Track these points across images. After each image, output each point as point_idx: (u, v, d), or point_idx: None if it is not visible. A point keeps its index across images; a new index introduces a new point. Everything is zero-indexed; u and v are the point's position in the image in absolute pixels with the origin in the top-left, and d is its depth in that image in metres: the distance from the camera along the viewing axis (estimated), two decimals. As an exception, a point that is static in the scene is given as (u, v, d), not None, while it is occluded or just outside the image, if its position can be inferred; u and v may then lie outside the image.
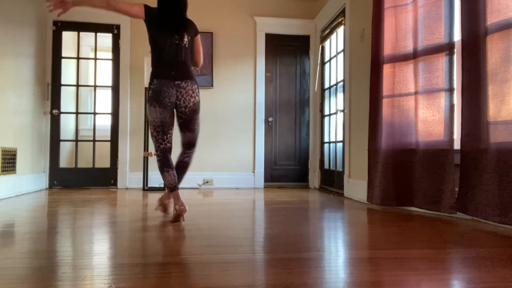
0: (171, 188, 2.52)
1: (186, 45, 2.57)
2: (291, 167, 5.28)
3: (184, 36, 2.56)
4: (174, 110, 2.58)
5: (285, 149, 5.26)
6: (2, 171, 3.68)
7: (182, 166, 2.66)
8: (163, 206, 2.65)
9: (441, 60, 2.75)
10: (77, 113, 4.92)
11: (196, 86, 2.58)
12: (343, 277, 1.34)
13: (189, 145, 2.67)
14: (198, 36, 2.70)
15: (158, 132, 2.53)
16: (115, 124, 4.91)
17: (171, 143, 2.58)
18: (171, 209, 2.64)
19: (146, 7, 2.51)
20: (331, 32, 4.74)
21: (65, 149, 5.20)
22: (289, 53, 5.28)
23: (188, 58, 2.60)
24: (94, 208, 3.00)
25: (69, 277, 1.32)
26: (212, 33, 5.02)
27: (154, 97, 2.49)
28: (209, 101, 5.07)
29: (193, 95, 2.54)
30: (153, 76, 2.51)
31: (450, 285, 1.27)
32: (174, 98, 2.51)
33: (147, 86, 4.51)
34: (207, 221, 2.48)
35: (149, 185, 4.84)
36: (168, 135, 2.56)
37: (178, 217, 2.43)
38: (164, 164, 2.54)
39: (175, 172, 2.55)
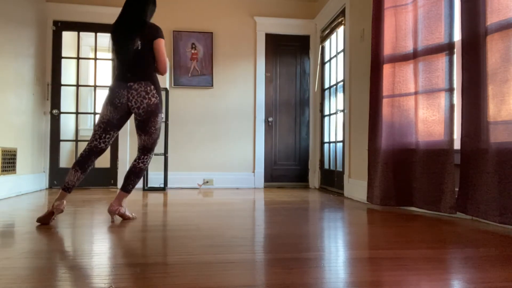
0: (65, 188, 2.37)
1: (139, 48, 2.48)
2: (291, 167, 5.28)
3: (135, 40, 2.48)
4: (129, 114, 2.51)
5: (285, 149, 5.26)
6: (2, 171, 3.68)
7: (135, 172, 2.50)
8: (112, 212, 2.49)
9: (441, 60, 2.75)
10: (77, 113, 4.92)
11: (152, 87, 2.46)
12: (343, 277, 1.34)
13: (144, 150, 2.52)
14: (158, 41, 2.51)
15: (100, 127, 2.44)
16: (115, 124, 4.90)
17: (105, 145, 2.47)
18: (126, 214, 2.54)
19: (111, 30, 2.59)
20: (331, 32, 4.74)
21: (65, 149, 5.20)
22: (289, 53, 5.28)
23: (146, 61, 2.50)
24: (94, 208, 3.00)
25: (69, 277, 1.32)
26: (212, 33, 5.02)
27: (108, 96, 2.48)
28: (209, 101, 5.07)
29: (146, 96, 2.43)
30: (113, 78, 2.55)
31: (450, 285, 1.27)
32: (125, 99, 2.43)
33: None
34: (207, 221, 2.48)
35: (149, 185, 4.84)
36: (107, 136, 2.46)
37: (49, 215, 2.30)
38: (80, 162, 2.42)
39: (82, 177, 2.43)
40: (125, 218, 2.52)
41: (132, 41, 2.49)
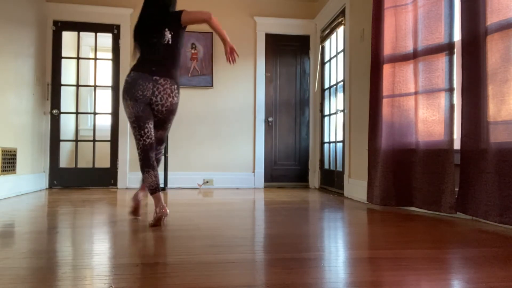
0: (152, 190, 2.36)
1: (169, 42, 2.43)
2: (291, 167, 5.28)
3: (162, 33, 2.41)
4: (149, 106, 2.42)
5: (285, 149, 5.26)
6: (2, 171, 3.68)
7: (155, 161, 2.57)
8: (134, 207, 2.57)
9: (441, 60, 2.75)
10: (77, 113, 4.92)
11: (176, 86, 2.46)
12: (343, 277, 1.34)
13: (159, 142, 2.61)
14: (181, 13, 2.43)
15: (135, 128, 2.40)
16: (115, 124, 4.91)
17: (151, 138, 2.43)
18: (141, 211, 2.58)
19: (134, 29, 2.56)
20: (331, 32, 4.74)
21: (65, 149, 5.20)
22: (289, 53, 5.28)
23: (174, 58, 2.46)
24: (94, 208, 3.00)
25: (69, 277, 1.32)
26: (212, 33, 5.02)
27: (126, 89, 2.38)
28: (209, 101, 5.07)
29: (171, 94, 2.43)
30: (132, 69, 2.43)
31: (450, 285, 1.27)
32: (150, 93, 2.37)
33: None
34: (207, 221, 2.48)
35: (149, 185, 4.83)
36: (146, 130, 2.41)
37: (158, 221, 2.27)
38: (144, 163, 2.40)
39: (157, 172, 2.41)
40: (137, 214, 2.60)
41: (159, 33, 2.42)
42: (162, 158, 2.72)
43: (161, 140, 2.63)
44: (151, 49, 2.43)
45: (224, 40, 2.48)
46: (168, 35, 2.43)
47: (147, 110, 2.41)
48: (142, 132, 2.40)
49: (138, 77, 2.36)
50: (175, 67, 2.48)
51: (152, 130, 2.46)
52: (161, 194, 2.35)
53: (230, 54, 2.50)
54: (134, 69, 2.41)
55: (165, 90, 2.40)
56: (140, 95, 2.36)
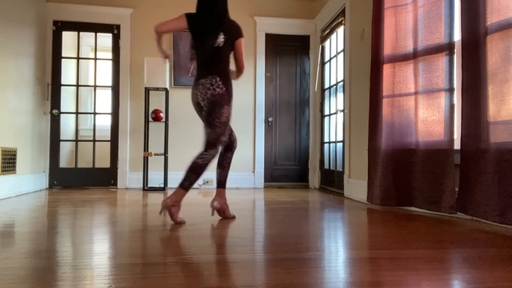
0: (216, 184, 2.64)
1: (220, 46, 2.46)
2: (291, 167, 5.27)
3: (217, 37, 2.45)
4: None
5: (285, 149, 5.26)
6: (2, 171, 3.68)
7: (192, 167, 2.37)
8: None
9: (441, 60, 2.75)
10: (77, 113, 4.92)
11: (218, 79, 2.41)
12: (343, 277, 1.34)
13: (206, 144, 2.43)
14: (240, 41, 2.53)
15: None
16: (115, 124, 4.91)
17: (226, 138, 2.57)
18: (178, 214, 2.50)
19: (187, 16, 2.49)
20: (331, 32, 4.74)
21: (65, 149, 5.20)
22: (289, 53, 5.28)
23: (222, 60, 2.48)
24: (94, 208, 3.00)
25: (69, 277, 1.32)
26: (212, 33, 5.02)
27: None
28: (209, 101, 5.06)
29: (210, 87, 2.40)
30: None
31: (450, 285, 1.27)
32: (195, 98, 2.52)
33: (147, 86, 4.51)
34: (207, 221, 2.48)
35: (149, 185, 4.84)
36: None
37: (218, 212, 2.56)
38: (217, 160, 2.64)
39: (222, 170, 2.59)
40: (172, 218, 2.36)
41: (213, 37, 2.45)
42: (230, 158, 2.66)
43: (208, 143, 2.42)
44: (202, 53, 2.51)
45: (239, 73, 2.65)
46: (221, 39, 2.47)
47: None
48: None
49: (192, 87, 2.55)
50: (220, 66, 2.47)
51: (228, 131, 2.58)
52: (223, 190, 2.60)
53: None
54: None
55: (204, 86, 2.43)
56: (195, 103, 2.57)
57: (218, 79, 2.42)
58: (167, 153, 4.66)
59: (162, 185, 4.80)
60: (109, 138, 4.91)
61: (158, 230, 2.17)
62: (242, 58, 2.56)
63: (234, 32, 2.51)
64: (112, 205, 3.20)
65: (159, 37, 2.50)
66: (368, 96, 3.62)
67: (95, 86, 4.90)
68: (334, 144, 4.72)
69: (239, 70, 2.62)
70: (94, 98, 4.93)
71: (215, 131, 2.41)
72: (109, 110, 4.95)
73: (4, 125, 3.76)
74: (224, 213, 2.59)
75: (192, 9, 5.02)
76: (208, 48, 2.47)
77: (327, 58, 5.04)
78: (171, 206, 2.33)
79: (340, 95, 4.52)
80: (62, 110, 4.83)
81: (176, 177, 4.94)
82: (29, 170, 4.30)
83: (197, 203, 3.43)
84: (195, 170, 2.36)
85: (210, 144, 2.42)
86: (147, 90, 4.64)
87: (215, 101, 2.40)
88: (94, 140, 4.86)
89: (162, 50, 2.59)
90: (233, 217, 2.62)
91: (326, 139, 5.04)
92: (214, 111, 2.40)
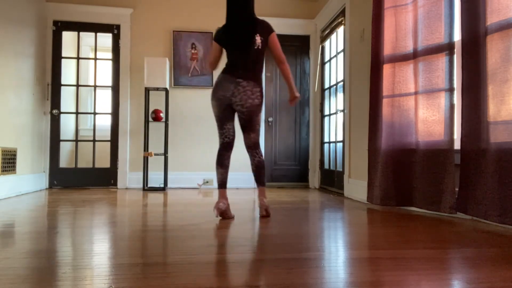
0: (218, 185, 2.66)
1: (259, 47, 2.58)
2: (291, 167, 5.28)
3: (255, 39, 2.56)
4: (231, 107, 2.60)
5: (285, 149, 5.26)
6: (2, 171, 3.69)
7: (260, 166, 2.68)
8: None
9: (441, 60, 2.75)
10: (77, 113, 4.92)
11: (258, 89, 2.57)
12: (343, 277, 1.34)
13: (255, 145, 2.68)
14: (274, 36, 2.65)
15: (218, 125, 2.67)
16: (115, 124, 4.91)
17: (229, 138, 2.67)
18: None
19: (216, 39, 2.67)
20: (331, 32, 4.74)
21: (65, 149, 5.20)
22: (289, 53, 5.28)
23: (260, 61, 2.61)
24: (94, 208, 3.00)
25: (69, 277, 1.32)
26: (212, 33, 5.02)
27: (213, 90, 2.61)
28: (209, 101, 5.06)
29: (252, 96, 2.54)
30: (221, 72, 2.63)
31: (450, 285, 1.27)
32: (230, 94, 2.53)
33: (147, 86, 4.51)
34: (207, 221, 2.48)
35: (149, 185, 4.84)
36: (225, 130, 2.65)
37: (222, 214, 2.58)
38: (218, 160, 2.68)
39: (224, 170, 2.67)
40: (267, 213, 2.63)
41: (252, 40, 2.56)
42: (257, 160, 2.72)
43: (255, 144, 2.68)
44: (240, 53, 2.58)
45: (291, 89, 2.74)
46: (258, 41, 2.58)
47: (228, 111, 2.61)
48: (221, 131, 2.66)
49: (223, 79, 2.57)
50: (260, 71, 2.64)
51: (232, 130, 2.68)
52: (226, 190, 2.65)
53: (292, 101, 2.80)
54: (223, 71, 2.62)
55: (245, 91, 2.52)
56: (221, 95, 2.56)
57: (259, 89, 2.58)
58: (167, 153, 4.66)
59: (162, 185, 4.80)
60: (109, 138, 4.91)
61: (158, 230, 2.17)
62: (280, 51, 2.65)
63: (266, 30, 2.62)
64: (112, 205, 3.20)
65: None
66: (368, 96, 3.62)
67: (95, 86, 4.90)
68: (334, 144, 4.72)
69: (282, 62, 2.66)
70: (94, 98, 4.94)
71: (257, 133, 2.69)
72: (109, 110, 4.95)
73: (4, 125, 3.76)
74: (226, 214, 2.60)
75: (191, 8, 5.03)
76: (246, 51, 2.57)
77: (327, 58, 5.04)
78: (266, 204, 2.62)
79: (340, 95, 4.51)
80: (62, 110, 4.83)
81: (176, 177, 4.94)
82: (29, 170, 4.30)
83: (197, 203, 3.43)
84: (264, 166, 2.70)
85: (258, 144, 2.70)
86: (147, 90, 4.64)
87: (253, 111, 2.58)
88: (94, 140, 4.86)
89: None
90: (233, 217, 2.63)
91: (326, 139, 5.04)
92: (253, 119, 2.62)
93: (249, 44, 2.56)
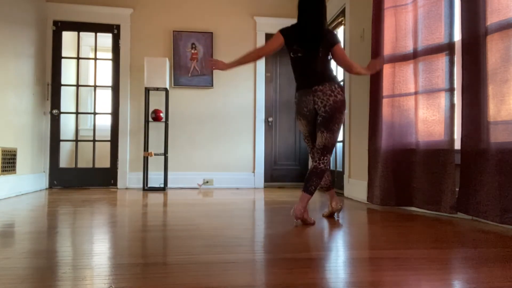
0: (326, 187, 2.69)
1: (320, 55, 2.54)
2: (291, 167, 5.27)
3: (320, 49, 2.52)
4: (316, 117, 2.55)
5: (285, 149, 5.26)
6: (2, 171, 3.68)
7: (316, 172, 2.44)
8: (297, 217, 2.37)
9: (441, 60, 2.75)
10: (77, 113, 4.92)
11: (336, 86, 2.49)
12: (343, 277, 1.34)
13: (324, 150, 2.47)
14: (339, 47, 2.57)
15: (307, 142, 2.68)
16: (115, 124, 4.91)
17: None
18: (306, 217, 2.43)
19: (283, 32, 2.58)
20: (331, 32, 4.73)
21: (65, 149, 5.20)
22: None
23: (326, 65, 2.58)
24: (94, 208, 3.00)
25: (69, 277, 1.32)
26: (212, 33, 5.02)
27: (297, 110, 2.61)
28: (209, 101, 5.07)
29: (332, 94, 2.45)
30: (296, 90, 2.63)
31: (450, 285, 1.27)
32: (312, 104, 2.50)
33: (147, 86, 4.51)
34: (207, 221, 2.48)
35: (149, 185, 4.84)
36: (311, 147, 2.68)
37: (332, 214, 2.63)
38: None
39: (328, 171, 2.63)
40: (306, 223, 2.38)
41: (317, 50, 2.53)
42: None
43: (327, 148, 2.47)
44: (308, 64, 2.54)
45: (368, 71, 2.73)
46: (325, 46, 2.54)
47: (315, 127, 2.58)
48: (313, 149, 2.66)
49: (301, 95, 2.55)
50: (329, 70, 2.58)
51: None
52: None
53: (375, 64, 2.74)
54: (296, 89, 2.62)
55: (324, 93, 2.47)
56: (306, 111, 2.54)
57: (337, 86, 2.50)
58: (167, 153, 4.66)
59: (162, 185, 4.80)
60: (109, 138, 4.91)
61: (158, 230, 2.17)
62: (347, 58, 2.59)
63: (331, 39, 2.55)
64: (112, 205, 3.20)
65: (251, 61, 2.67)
66: (368, 96, 3.62)
67: (95, 86, 4.90)
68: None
69: (349, 70, 2.64)
70: (94, 98, 4.94)
71: (334, 136, 2.51)
72: (109, 110, 4.95)
73: (4, 125, 3.76)
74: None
75: (191, 8, 5.03)
76: (312, 59, 2.53)
77: (327, 58, 5.03)
78: (303, 213, 2.35)
79: (340, 95, 4.51)
80: (62, 110, 4.83)
81: (176, 177, 4.94)
82: (29, 170, 4.30)
83: (197, 203, 3.43)
84: (319, 175, 2.45)
85: (328, 149, 2.50)
86: (147, 90, 4.64)
87: (337, 108, 2.46)
88: (94, 140, 4.86)
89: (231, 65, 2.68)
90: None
91: (326, 139, 5.03)
92: (335, 117, 2.46)
93: (314, 53, 2.53)
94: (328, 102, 2.44)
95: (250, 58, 2.62)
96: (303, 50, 2.55)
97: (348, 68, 2.63)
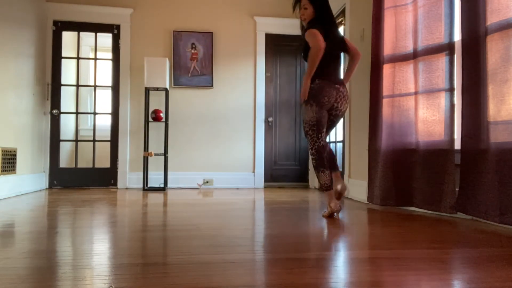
0: (326, 187, 2.66)
1: (341, 57, 2.80)
2: (291, 167, 5.27)
3: (343, 50, 2.77)
4: (328, 111, 2.70)
5: (285, 149, 5.26)
6: (2, 171, 3.68)
7: (331, 155, 2.80)
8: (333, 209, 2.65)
9: (441, 60, 2.75)
10: (77, 113, 4.92)
11: (347, 92, 2.74)
12: (343, 277, 1.34)
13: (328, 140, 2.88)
14: (356, 50, 2.84)
15: (314, 131, 2.67)
16: (115, 124, 4.91)
17: (324, 141, 2.71)
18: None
19: (320, 32, 2.62)
20: (331, 32, 4.73)
21: (65, 149, 5.20)
22: (289, 53, 5.28)
23: (339, 69, 2.78)
24: (94, 208, 3.00)
25: (69, 277, 1.32)
26: (212, 33, 5.02)
27: (313, 95, 2.63)
28: (209, 101, 5.07)
29: (347, 100, 2.74)
30: (316, 76, 2.64)
31: (450, 285, 1.27)
32: (333, 99, 2.64)
33: (147, 86, 4.51)
34: (207, 221, 2.48)
35: (149, 185, 4.84)
36: (322, 134, 2.70)
37: (332, 214, 2.63)
38: (319, 163, 2.67)
39: (330, 171, 2.69)
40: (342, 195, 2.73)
41: (342, 46, 2.75)
42: None
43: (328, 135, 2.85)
44: (333, 61, 2.70)
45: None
46: (342, 51, 2.78)
47: (326, 116, 2.70)
48: (320, 135, 2.67)
49: (324, 85, 2.62)
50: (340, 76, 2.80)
51: (326, 136, 2.77)
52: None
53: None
54: (319, 77, 2.64)
55: (344, 96, 2.70)
56: (326, 101, 2.63)
57: (347, 92, 2.75)
58: (167, 153, 4.66)
59: (162, 185, 4.80)
60: (109, 138, 4.91)
61: (158, 230, 2.17)
62: (357, 52, 2.83)
63: (345, 42, 2.81)
64: (112, 205, 3.20)
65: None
66: (368, 96, 3.62)
67: (95, 86, 4.90)
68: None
69: (357, 58, 2.87)
70: (94, 98, 4.94)
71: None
72: (109, 110, 4.95)
73: (4, 125, 3.76)
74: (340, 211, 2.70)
75: (191, 9, 5.03)
76: (337, 55, 2.73)
77: (327, 58, 5.03)
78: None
79: (340, 95, 4.51)
80: (62, 110, 4.83)
81: (176, 177, 4.94)
82: (29, 170, 4.30)
83: (197, 203, 3.43)
84: (334, 156, 2.85)
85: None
86: (147, 90, 4.64)
87: (344, 112, 2.78)
88: (94, 140, 4.86)
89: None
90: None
91: (326, 139, 5.03)
92: (339, 120, 2.82)
93: (339, 54, 2.75)
94: (344, 107, 2.72)
95: (320, 54, 2.57)
96: (336, 50, 2.73)
97: (357, 57, 2.86)
